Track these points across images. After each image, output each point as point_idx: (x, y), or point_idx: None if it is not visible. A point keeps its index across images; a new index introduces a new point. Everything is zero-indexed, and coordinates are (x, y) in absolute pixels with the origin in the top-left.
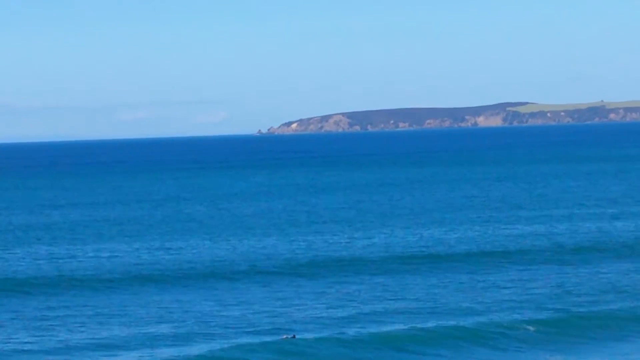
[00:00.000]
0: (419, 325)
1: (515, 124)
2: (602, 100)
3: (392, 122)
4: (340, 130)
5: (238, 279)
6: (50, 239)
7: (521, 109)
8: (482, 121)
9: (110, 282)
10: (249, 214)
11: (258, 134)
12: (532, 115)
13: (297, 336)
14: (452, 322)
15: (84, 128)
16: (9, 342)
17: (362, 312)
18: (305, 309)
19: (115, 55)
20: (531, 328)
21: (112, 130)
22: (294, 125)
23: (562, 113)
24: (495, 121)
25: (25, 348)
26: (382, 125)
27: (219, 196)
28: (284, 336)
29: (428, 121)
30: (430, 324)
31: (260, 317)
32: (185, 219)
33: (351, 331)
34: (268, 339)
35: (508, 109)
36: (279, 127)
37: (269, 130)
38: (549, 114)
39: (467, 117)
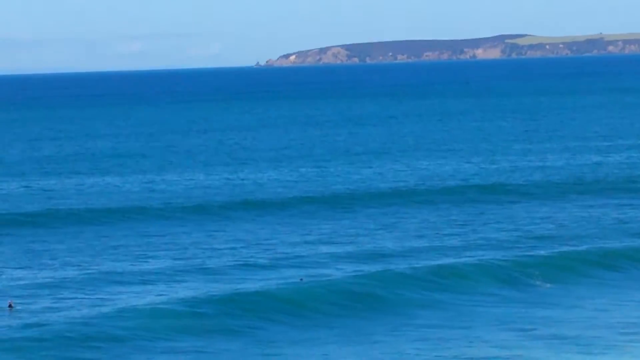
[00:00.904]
0: (415, 264)
1: (513, 56)
2: (600, 33)
3: (390, 54)
4: (338, 62)
5: (233, 212)
6: (41, 171)
7: (520, 41)
8: (480, 53)
9: (102, 215)
10: (245, 146)
11: (256, 66)
12: (531, 47)
13: (304, 279)
14: (449, 260)
15: (81, 60)
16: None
17: (360, 249)
18: (302, 245)
19: None
20: (528, 260)
21: (109, 63)
22: (292, 58)
23: (561, 45)
24: (494, 53)
25: (14, 282)
26: (381, 58)
27: (215, 128)
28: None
29: (426, 53)
30: (425, 261)
31: (257, 253)
32: (180, 151)
33: (350, 269)
34: (271, 276)
35: (506, 41)
36: (277, 59)
37: (267, 62)
38: (547, 46)
39: (465, 49)
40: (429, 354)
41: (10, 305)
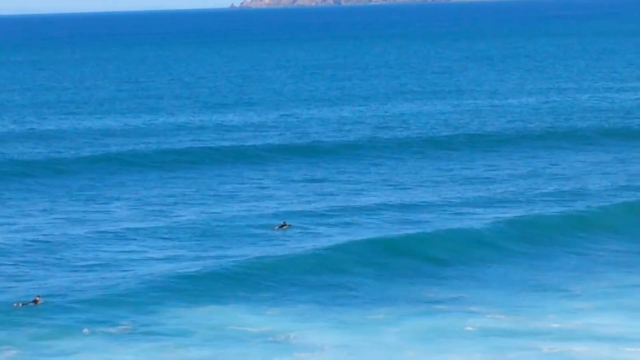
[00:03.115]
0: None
1: None
2: None
3: None
4: (313, 4)
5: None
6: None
7: None
8: None
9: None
10: (217, 91)
11: (231, 8)
12: None
13: (288, 223)
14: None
15: (53, 1)
16: None
17: (336, 202)
18: (286, 194)
19: None
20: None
21: (86, 4)
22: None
23: None
24: None
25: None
26: (356, 0)
27: (184, 72)
28: (275, 227)
29: None
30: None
31: (241, 202)
32: (143, 96)
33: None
34: (257, 224)
35: None
36: (252, 0)
37: (242, 4)
38: None
39: None
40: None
41: (36, 301)
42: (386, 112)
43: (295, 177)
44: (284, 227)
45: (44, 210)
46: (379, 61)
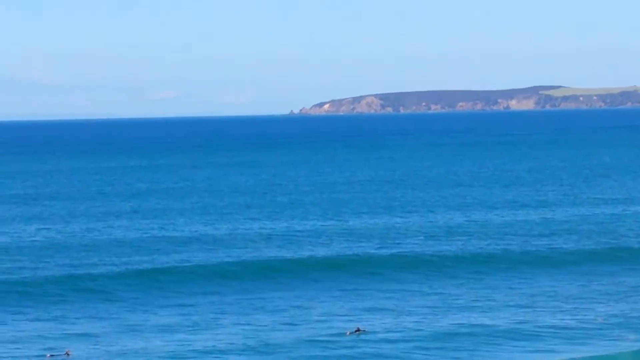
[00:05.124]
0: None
1: (547, 107)
2: (635, 85)
3: (424, 104)
4: (372, 111)
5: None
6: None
7: (554, 93)
8: (514, 104)
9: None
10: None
11: (290, 115)
12: (565, 99)
13: (361, 329)
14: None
15: (112, 107)
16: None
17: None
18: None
19: (142, 34)
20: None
21: (141, 110)
22: (326, 106)
23: (595, 97)
24: (528, 104)
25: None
26: (414, 107)
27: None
28: (348, 332)
29: (460, 104)
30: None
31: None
32: (193, 203)
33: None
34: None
35: (541, 92)
36: (311, 107)
37: (300, 110)
38: (581, 98)
39: (499, 100)
40: None
41: (67, 353)
42: (433, 222)
43: (348, 288)
44: (357, 333)
45: (90, 326)
46: (435, 171)
